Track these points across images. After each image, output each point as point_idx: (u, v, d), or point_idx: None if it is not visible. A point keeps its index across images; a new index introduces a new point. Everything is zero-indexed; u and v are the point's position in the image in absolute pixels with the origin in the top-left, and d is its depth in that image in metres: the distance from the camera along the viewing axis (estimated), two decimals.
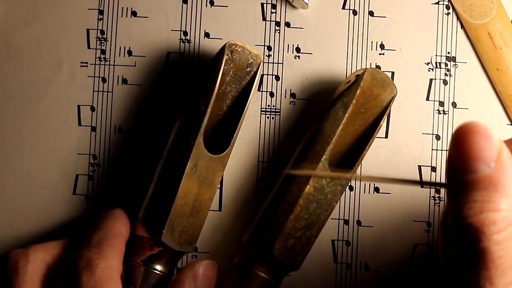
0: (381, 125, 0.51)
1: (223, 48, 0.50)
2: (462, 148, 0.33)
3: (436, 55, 0.54)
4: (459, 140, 0.33)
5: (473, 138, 0.33)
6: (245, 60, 0.51)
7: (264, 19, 0.54)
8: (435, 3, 0.54)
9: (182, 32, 0.55)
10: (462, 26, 0.54)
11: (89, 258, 0.45)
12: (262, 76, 0.54)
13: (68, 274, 0.45)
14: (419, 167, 0.54)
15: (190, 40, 0.54)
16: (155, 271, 0.50)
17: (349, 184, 0.53)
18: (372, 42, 0.54)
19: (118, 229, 0.48)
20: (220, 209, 0.54)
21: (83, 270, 0.45)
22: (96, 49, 0.54)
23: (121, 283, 0.46)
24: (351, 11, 0.54)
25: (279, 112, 0.54)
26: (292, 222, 0.49)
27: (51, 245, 0.49)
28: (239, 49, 0.51)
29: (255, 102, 0.54)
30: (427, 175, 0.53)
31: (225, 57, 0.50)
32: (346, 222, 0.53)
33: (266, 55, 0.54)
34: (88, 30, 0.55)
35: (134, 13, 0.55)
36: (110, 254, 0.46)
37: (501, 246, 0.32)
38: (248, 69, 0.51)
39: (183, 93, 0.54)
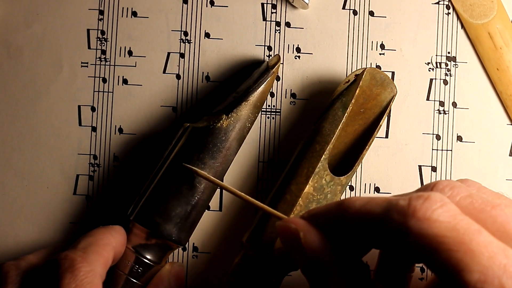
0: (381, 125, 0.51)
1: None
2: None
3: (436, 55, 0.54)
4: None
5: (282, 235, 0.41)
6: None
7: (264, 19, 0.54)
8: (435, 3, 0.54)
9: (182, 32, 0.55)
10: (463, 26, 0.54)
11: (73, 260, 0.44)
12: None
13: (49, 273, 0.44)
14: (419, 167, 0.53)
15: (190, 40, 0.55)
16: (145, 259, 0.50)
17: (349, 183, 0.53)
18: (372, 42, 0.54)
19: (109, 240, 0.48)
20: (220, 209, 0.54)
21: (65, 271, 0.44)
22: (96, 49, 0.55)
23: None
24: (351, 11, 0.54)
25: (279, 112, 0.54)
26: None
27: (43, 254, 0.49)
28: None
29: None
30: (427, 175, 0.53)
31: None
32: None
33: (267, 55, 0.54)
34: (88, 30, 0.55)
35: (134, 13, 0.55)
36: (95, 259, 0.45)
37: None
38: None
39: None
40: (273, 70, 0.51)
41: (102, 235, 0.48)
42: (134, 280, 0.50)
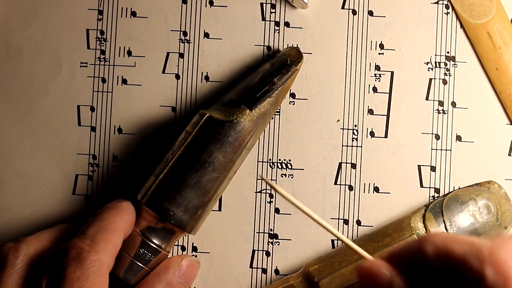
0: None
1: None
2: None
3: (435, 55, 0.54)
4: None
5: (366, 280, 0.36)
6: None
7: (263, 19, 0.55)
8: (434, 3, 0.54)
9: (181, 32, 0.55)
10: (462, 26, 0.54)
11: (81, 248, 0.44)
12: None
13: (56, 262, 0.44)
14: (419, 166, 0.54)
15: (189, 40, 0.55)
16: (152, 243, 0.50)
17: (349, 184, 0.53)
18: (371, 41, 0.54)
19: (119, 223, 0.47)
20: (220, 209, 0.54)
21: (72, 260, 0.43)
22: (96, 49, 0.55)
23: (108, 280, 0.45)
24: (350, 10, 0.54)
25: (279, 112, 0.54)
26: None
27: (45, 235, 0.48)
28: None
29: None
30: (426, 175, 0.53)
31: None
32: (346, 222, 0.53)
33: (266, 55, 0.54)
34: (87, 30, 0.55)
35: (133, 13, 0.55)
36: (103, 248, 0.45)
37: None
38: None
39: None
40: (297, 67, 0.51)
41: (112, 218, 0.47)
42: (139, 264, 0.49)
